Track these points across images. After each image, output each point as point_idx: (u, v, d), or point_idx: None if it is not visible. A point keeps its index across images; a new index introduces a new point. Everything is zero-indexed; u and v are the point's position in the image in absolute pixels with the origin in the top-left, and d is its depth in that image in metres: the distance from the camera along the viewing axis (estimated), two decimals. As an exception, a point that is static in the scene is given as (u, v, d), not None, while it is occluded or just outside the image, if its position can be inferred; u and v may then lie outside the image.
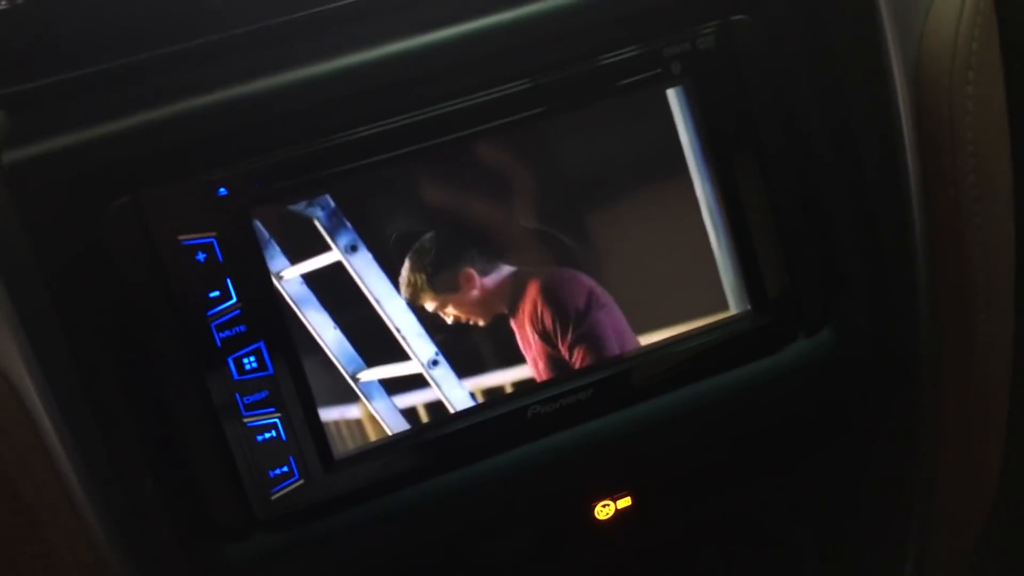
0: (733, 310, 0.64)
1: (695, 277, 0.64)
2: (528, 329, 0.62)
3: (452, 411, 0.61)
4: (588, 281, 0.62)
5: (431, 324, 0.60)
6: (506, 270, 0.61)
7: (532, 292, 0.62)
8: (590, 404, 0.62)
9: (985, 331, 0.62)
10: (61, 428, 0.53)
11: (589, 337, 0.62)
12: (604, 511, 0.66)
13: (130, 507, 0.57)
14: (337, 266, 0.59)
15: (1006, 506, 0.68)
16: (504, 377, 0.62)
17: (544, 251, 0.61)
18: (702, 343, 0.63)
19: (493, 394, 0.62)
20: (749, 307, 0.64)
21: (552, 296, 0.62)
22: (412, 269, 0.59)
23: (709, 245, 0.64)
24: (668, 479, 0.68)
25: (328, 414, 0.60)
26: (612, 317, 0.63)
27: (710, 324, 0.64)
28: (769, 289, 0.64)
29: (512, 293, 0.61)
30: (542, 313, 0.62)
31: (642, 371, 0.63)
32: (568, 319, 0.62)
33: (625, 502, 0.66)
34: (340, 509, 0.60)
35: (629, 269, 0.63)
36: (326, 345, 0.59)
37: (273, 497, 0.59)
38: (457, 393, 0.62)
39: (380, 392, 0.61)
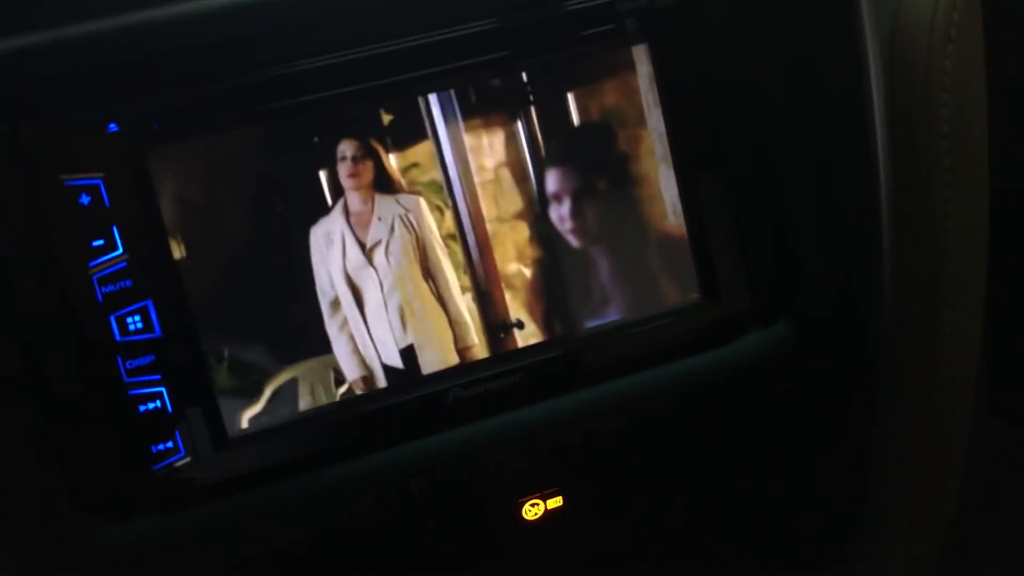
0: (684, 297, 0.59)
1: (648, 260, 0.59)
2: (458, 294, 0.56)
3: (362, 390, 0.55)
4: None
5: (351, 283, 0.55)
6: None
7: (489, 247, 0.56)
8: (519, 390, 0.57)
9: (952, 328, 0.56)
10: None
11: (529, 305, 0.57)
12: (533, 511, 0.61)
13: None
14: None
15: (972, 513, 0.63)
16: (426, 356, 0.56)
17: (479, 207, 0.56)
18: (648, 330, 0.58)
19: (410, 373, 0.56)
20: (699, 295, 0.59)
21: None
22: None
23: (665, 227, 0.58)
24: (604, 477, 0.62)
25: (223, 386, 0.53)
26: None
27: (658, 311, 0.58)
28: (721, 277, 0.59)
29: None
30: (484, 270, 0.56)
31: (580, 357, 0.57)
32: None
33: (556, 502, 0.61)
34: (232, 492, 0.54)
35: (577, 244, 0.58)
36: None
37: (154, 475, 0.53)
38: (369, 367, 0.55)
39: (285, 366, 0.54)
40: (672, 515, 0.65)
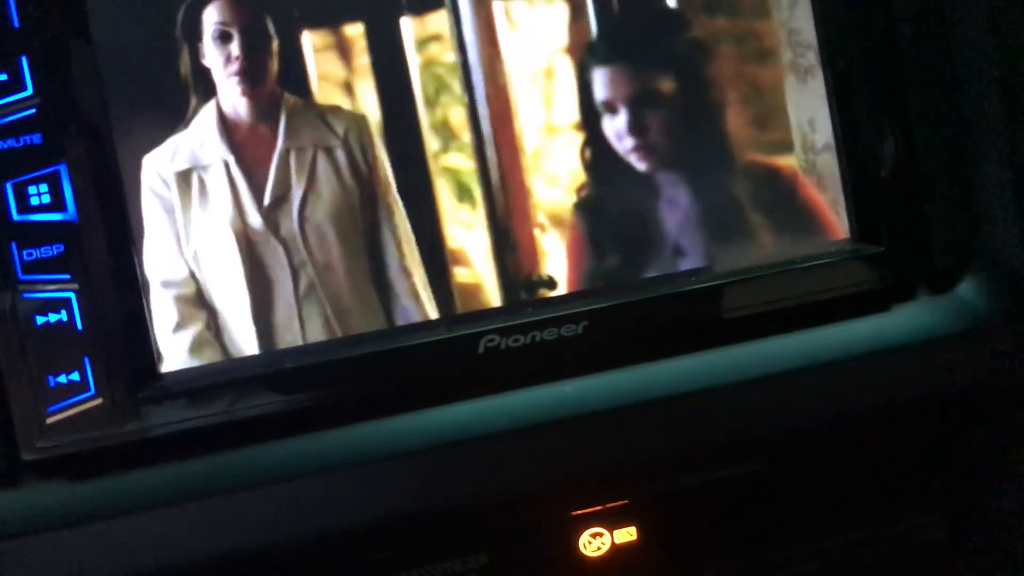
0: (827, 240, 0.44)
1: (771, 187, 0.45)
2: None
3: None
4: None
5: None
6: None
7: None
8: (583, 347, 0.41)
9: None
10: None
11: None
12: (593, 544, 0.45)
13: None
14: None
15: None
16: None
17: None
18: (774, 280, 0.43)
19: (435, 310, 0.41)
20: (850, 235, 0.44)
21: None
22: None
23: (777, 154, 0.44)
24: (701, 499, 0.45)
25: (161, 298, 0.39)
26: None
27: (789, 256, 0.44)
28: (881, 217, 0.44)
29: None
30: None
31: (673, 307, 0.42)
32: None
33: (627, 534, 0.45)
34: (158, 459, 0.39)
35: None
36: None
37: (50, 419, 0.38)
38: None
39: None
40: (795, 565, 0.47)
